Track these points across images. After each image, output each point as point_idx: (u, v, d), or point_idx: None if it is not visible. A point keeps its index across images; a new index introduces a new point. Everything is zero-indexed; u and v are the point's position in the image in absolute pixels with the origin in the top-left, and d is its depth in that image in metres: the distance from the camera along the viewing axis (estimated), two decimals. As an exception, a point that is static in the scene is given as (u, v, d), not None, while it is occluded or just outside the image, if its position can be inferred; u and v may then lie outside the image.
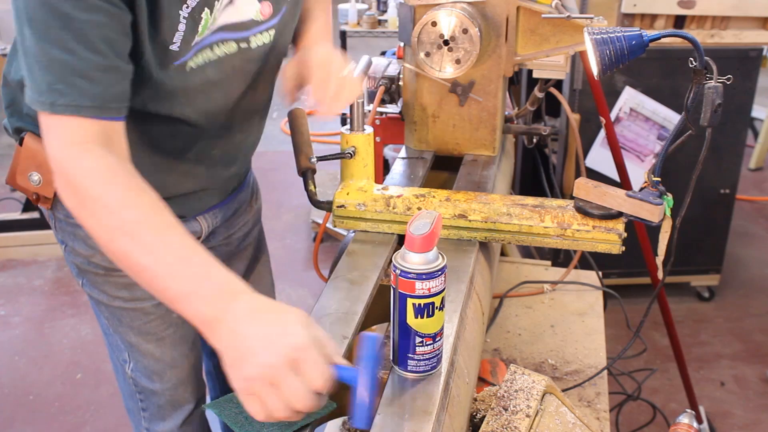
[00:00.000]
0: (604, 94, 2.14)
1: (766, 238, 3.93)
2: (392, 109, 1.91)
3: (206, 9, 1.09)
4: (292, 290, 3.37)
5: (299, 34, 1.38)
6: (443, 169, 1.72)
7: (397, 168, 1.64)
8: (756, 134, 4.79)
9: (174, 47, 1.09)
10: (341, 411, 1.10)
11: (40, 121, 1.03)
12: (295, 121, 1.42)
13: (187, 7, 1.07)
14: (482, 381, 1.48)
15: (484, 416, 1.13)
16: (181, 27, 1.07)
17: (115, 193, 1.00)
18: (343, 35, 5.17)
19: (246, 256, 1.59)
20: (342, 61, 1.30)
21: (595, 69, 1.20)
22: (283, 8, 1.23)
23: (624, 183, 2.17)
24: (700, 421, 2.47)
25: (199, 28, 1.10)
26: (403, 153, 1.73)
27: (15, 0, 0.98)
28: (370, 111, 1.80)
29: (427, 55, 1.55)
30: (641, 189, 1.29)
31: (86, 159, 1.00)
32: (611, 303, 1.95)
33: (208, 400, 1.64)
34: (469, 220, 1.37)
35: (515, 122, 2.01)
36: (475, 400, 1.22)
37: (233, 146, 1.37)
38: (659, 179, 1.27)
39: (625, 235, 1.31)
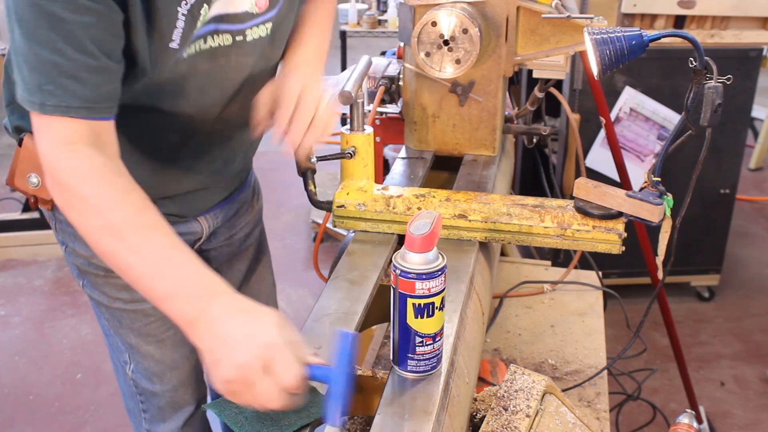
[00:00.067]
0: (604, 94, 2.14)
1: (766, 238, 3.93)
2: (392, 109, 1.91)
3: (205, 5, 1.09)
4: (292, 290, 3.37)
5: (288, 51, 1.33)
6: (443, 169, 1.72)
7: (397, 168, 1.64)
8: (756, 134, 4.79)
9: (173, 44, 1.08)
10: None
11: (32, 120, 1.04)
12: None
13: (186, 4, 1.06)
14: (482, 381, 1.48)
15: (484, 416, 1.13)
16: (180, 24, 1.07)
17: (101, 193, 1.01)
18: (343, 35, 5.17)
19: (247, 256, 1.59)
20: (319, 93, 1.26)
21: (595, 69, 1.20)
22: (279, 1, 1.22)
23: (624, 183, 2.17)
24: (700, 421, 2.47)
25: (198, 24, 1.10)
26: (403, 153, 1.73)
27: None
28: (370, 111, 1.80)
29: (427, 55, 1.55)
30: (641, 189, 1.29)
31: (74, 159, 1.01)
32: (611, 303, 1.95)
33: (209, 401, 1.64)
34: (469, 220, 1.37)
35: (515, 122, 2.01)
36: (475, 400, 1.22)
37: (232, 143, 1.36)
38: (659, 179, 1.27)
39: (625, 235, 1.31)
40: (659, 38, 1.17)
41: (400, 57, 1.78)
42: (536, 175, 2.77)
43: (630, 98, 2.86)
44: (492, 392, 1.23)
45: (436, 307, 0.97)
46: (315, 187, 1.39)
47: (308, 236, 3.88)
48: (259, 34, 1.21)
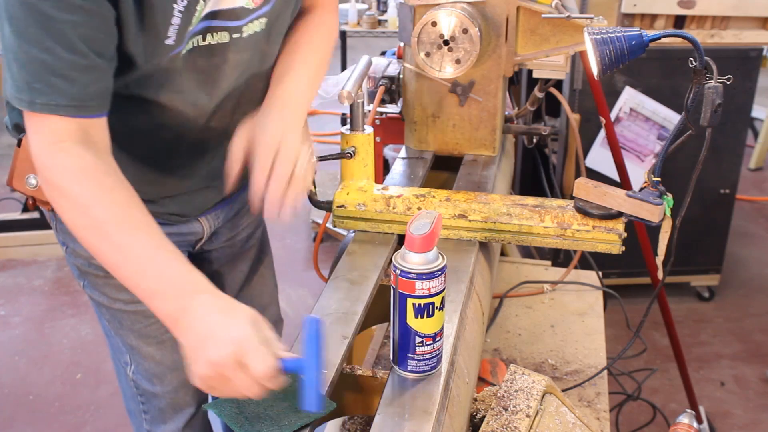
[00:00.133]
0: (604, 94, 2.14)
1: (766, 238, 3.93)
2: (392, 109, 1.91)
3: (201, 1, 1.08)
4: (292, 290, 3.37)
5: (274, 79, 1.25)
6: (443, 169, 1.72)
7: (397, 168, 1.64)
8: (756, 134, 4.79)
9: (169, 41, 1.08)
10: (341, 411, 1.11)
11: (24, 118, 1.04)
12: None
13: (183, 0, 1.06)
14: (482, 381, 1.48)
15: (484, 416, 1.13)
16: (176, 21, 1.06)
17: (87, 192, 1.02)
18: (343, 35, 5.17)
19: (249, 257, 1.58)
20: (296, 145, 1.18)
21: (595, 69, 1.20)
22: None
23: (624, 183, 2.17)
24: (700, 421, 2.47)
25: (194, 20, 1.09)
26: (403, 153, 1.73)
27: None
28: (370, 111, 1.80)
29: (427, 55, 1.55)
30: (641, 189, 1.29)
31: (62, 158, 1.02)
32: (611, 303, 1.95)
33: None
34: (469, 220, 1.37)
35: (515, 122, 2.01)
36: (475, 400, 1.22)
37: (231, 135, 1.35)
38: (659, 179, 1.27)
39: (625, 235, 1.31)
40: (659, 38, 1.17)
41: (400, 57, 1.78)
42: (536, 175, 2.77)
43: (630, 98, 2.86)
44: (492, 392, 1.23)
45: (436, 307, 0.97)
46: (315, 187, 1.39)
47: (308, 236, 3.88)
48: (254, 30, 1.19)
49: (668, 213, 1.28)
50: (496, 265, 1.59)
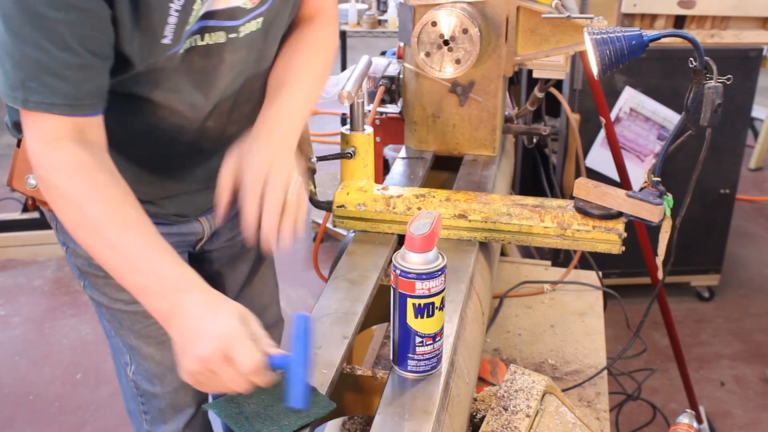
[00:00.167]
0: (604, 94, 2.14)
1: (766, 238, 3.93)
2: (392, 109, 1.91)
3: (198, 0, 1.07)
4: (292, 290, 3.37)
5: (267, 95, 1.22)
6: (443, 169, 1.72)
7: (397, 168, 1.64)
8: (756, 134, 4.79)
9: (166, 40, 1.07)
10: (341, 411, 1.10)
11: (20, 116, 1.04)
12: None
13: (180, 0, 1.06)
14: (482, 381, 1.48)
15: (484, 416, 1.13)
16: (172, 20, 1.06)
17: (80, 190, 1.02)
18: (343, 35, 5.17)
19: (250, 257, 1.58)
20: (285, 174, 1.13)
21: (595, 69, 1.20)
22: None
23: (624, 183, 2.17)
24: (700, 421, 2.47)
25: (190, 19, 1.09)
26: (403, 153, 1.73)
27: None
28: (370, 111, 1.80)
29: (427, 55, 1.55)
30: (641, 189, 1.29)
31: (55, 156, 1.02)
32: (611, 303, 1.95)
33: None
34: (469, 220, 1.37)
35: (515, 122, 2.01)
36: (475, 400, 1.22)
37: (227, 139, 1.34)
38: (659, 179, 1.27)
39: (625, 235, 1.31)
40: (659, 38, 1.17)
41: (400, 57, 1.78)
42: (536, 175, 2.77)
43: (630, 98, 2.86)
44: (492, 392, 1.23)
45: (436, 307, 0.97)
46: (315, 187, 1.39)
47: (308, 236, 3.88)
48: (251, 30, 1.19)
49: (668, 213, 1.28)
50: (496, 265, 1.59)
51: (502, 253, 2.08)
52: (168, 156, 1.28)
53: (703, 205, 3.01)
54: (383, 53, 2.18)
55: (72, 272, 1.40)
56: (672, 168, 1.49)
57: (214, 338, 0.93)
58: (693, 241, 3.07)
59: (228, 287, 1.55)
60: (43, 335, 3.07)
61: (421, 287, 0.94)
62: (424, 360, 1.00)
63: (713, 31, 2.80)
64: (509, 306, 1.83)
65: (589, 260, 1.91)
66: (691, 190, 1.27)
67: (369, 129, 1.38)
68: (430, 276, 0.94)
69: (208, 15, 1.11)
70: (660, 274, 1.33)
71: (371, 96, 1.82)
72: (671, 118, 2.87)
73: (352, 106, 1.34)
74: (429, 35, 1.53)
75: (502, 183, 1.69)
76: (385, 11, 5.20)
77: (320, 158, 1.38)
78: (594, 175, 2.73)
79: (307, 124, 1.38)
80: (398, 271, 0.95)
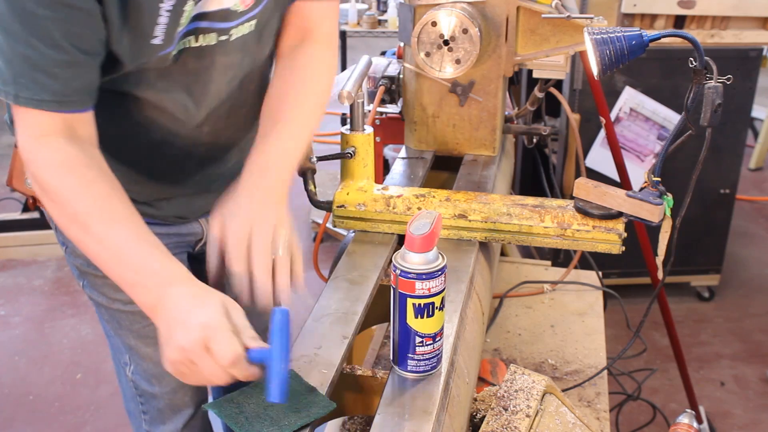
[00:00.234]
0: (604, 94, 2.15)
1: (766, 238, 3.93)
2: (392, 109, 1.91)
3: (190, 1, 1.07)
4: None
5: (258, 135, 1.18)
6: (443, 169, 1.72)
7: (397, 168, 1.64)
8: (756, 134, 4.79)
9: (156, 41, 1.07)
10: (341, 411, 1.10)
11: (12, 111, 1.05)
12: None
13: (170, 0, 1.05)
14: (482, 381, 1.48)
15: (484, 416, 1.13)
16: (162, 20, 1.05)
17: (69, 185, 1.03)
18: (343, 35, 5.17)
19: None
20: (269, 231, 1.08)
21: (595, 69, 1.20)
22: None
23: (624, 183, 2.17)
24: (700, 421, 2.47)
25: (182, 20, 1.08)
26: (403, 153, 1.73)
27: None
28: (370, 111, 1.80)
29: (427, 55, 1.55)
30: (641, 189, 1.29)
31: (44, 151, 1.03)
32: (611, 303, 1.95)
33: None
34: (469, 220, 1.37)
35: (515, 122, 2.01)
36: (475, 400, 1.22)
37: (225, 145, 1.34)
38: (659, 179, 1.27)
39: (625, 235, 1.31)
40: (659, 38, 1.17)
41: (400, 57, 1.78)
42: (536, 175, 2.77)
43: (630, 98, 2.86)
44: (492, 392, 1.23)
45: (436, 307, 0.97)
46: (315, 187, 1.39)
47: (308, 236, 3.88)
48: (243, 32, 1.18)
49: (668, 213, 1.28)
50: (496, 265, 1.59)
51: (502, 253, 2.08)
52: (163, 158, 1.28)
53: (703, 205, 3.01)
54: (383, 53, 2.17)
55: (72, 272, 1.40)
56: (672, 168, 1.49)
57: (196, 328, 0.94)
58: (693, 241, 3.07)
59: (228, 287, 1.54)
60: (43, 335, 3.07)
61: (421, 287, 0.94)
62: (424, 360, 1.00)
63: (713, 31, 2.80)
64: (509, 306, 1.83)
65: (589, 260, 1.91)
66: (691, 190, 1.27)
67: (369, 129, 1.38)
68: (430, 276, 0.94)
69: (201, 16, 1.11)
70: (660, 274, 1.33)
71: (371, 96, 1.82)
72: (671, 118, 2.87)
73: (352, 106, 1.34)
74: (429, 35, 1.53)
75: (502, 183, 1.69)
76: (385, 11, 5.20)
77: (320, 158, 1.38)
78: (594, 175, 2.73)
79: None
80: (398, 271, 0.95)
